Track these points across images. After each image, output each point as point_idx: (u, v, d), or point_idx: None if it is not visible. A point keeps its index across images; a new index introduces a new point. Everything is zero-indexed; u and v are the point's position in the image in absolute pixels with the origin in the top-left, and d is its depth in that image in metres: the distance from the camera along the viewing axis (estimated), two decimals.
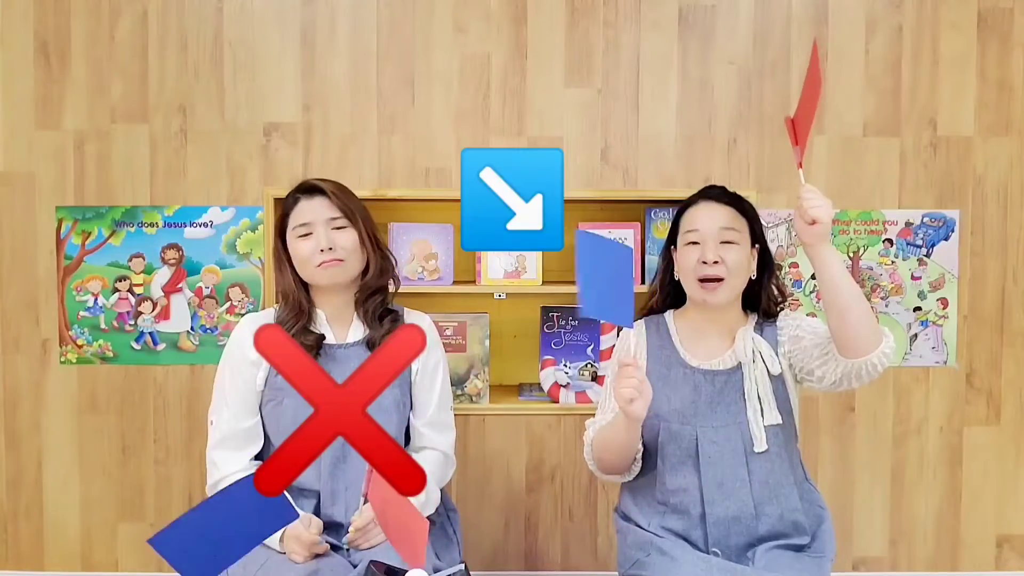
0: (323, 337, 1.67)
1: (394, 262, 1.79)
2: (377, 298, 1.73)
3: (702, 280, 1.62)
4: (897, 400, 2.55)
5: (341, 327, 1.73)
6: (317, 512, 1.61)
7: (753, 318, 1.72)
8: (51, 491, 2.52)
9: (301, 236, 1.67)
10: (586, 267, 1.42)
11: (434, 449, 1.74)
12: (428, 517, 1.71)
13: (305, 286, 1.71)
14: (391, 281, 1.78)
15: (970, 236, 2.53)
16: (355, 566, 1.49)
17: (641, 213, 2.47)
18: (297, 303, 1.68)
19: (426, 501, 1.64)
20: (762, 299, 1.71)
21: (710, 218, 1.64)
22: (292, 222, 1.69)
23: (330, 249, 1.64)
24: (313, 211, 1.67)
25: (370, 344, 1.69)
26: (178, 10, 2.46)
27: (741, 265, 1.63)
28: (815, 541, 1.65)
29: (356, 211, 1.70)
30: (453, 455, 1.79)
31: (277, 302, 1.77)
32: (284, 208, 1.73)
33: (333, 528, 1.61)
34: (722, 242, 1.62)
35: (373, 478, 1.29)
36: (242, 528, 1.12)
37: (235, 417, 1.65)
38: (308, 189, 1.71)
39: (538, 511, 2.55)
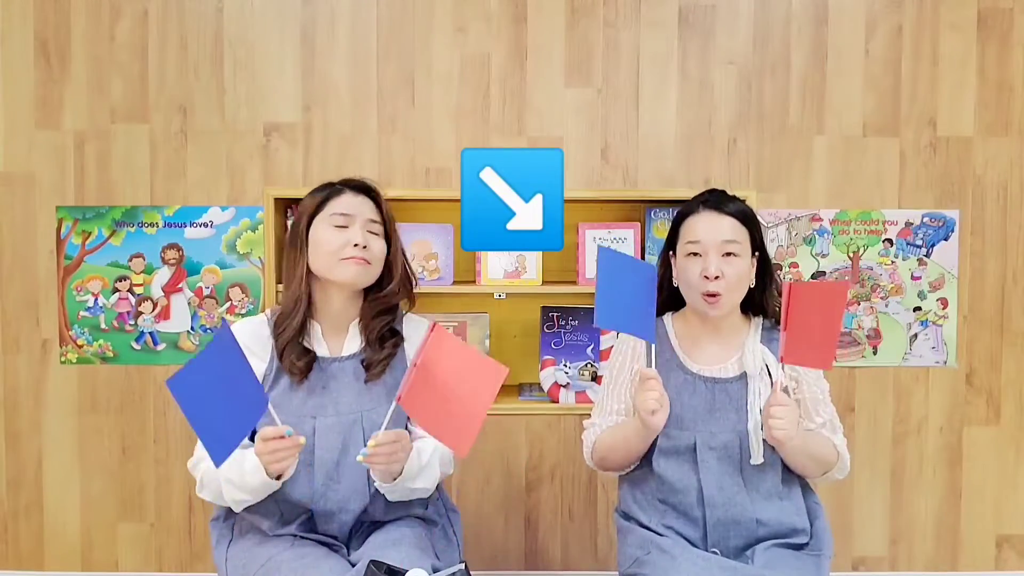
0: (314, 359, 1.60)
1: (415, 282, 1.72)
2: (386, 318, 1.66)
3: (705, 295, 1.63)
4: (897, 400, 2.55)
5: (336, 339, 1.65)
6: (312, 529, 1.58)
7: (756, 323, 1.72)
8: (51, 491, 2.53)
9: (336, 226, 1.60)
10: (605, 283, 1.42)
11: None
12: (429, 518, 1.70)
13: (308, 288, 1.62)
14: (406, 301, 1.71)
15: (970, 236, 2.53)
16: (354, 565, 1.49)
17: (641, 213, 2.47)
18: (304, 300, 1.60)
19: (424, 469, 1.58)
20: (764, 304, 1.71)
21: (711, 230, 1.64)
22: (331, 209, 1.61)
23: (364, 248, 1.59)
24: (358, 206, 1.62)
25: (367, 365, 1.61)
26: (178, 10, 2.46)
27: (742, 277, 1.64)
28: (813, 539, 1.66)
29: (392, 224, 1.67)
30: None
31: (278, 300, 1.71)
32: (322, 195, 1.64)
33: (329, 537, 1.60)
34: (724, 254, 1.62)
35: (412, 382, 1.31)
36: (235, 404, 1.29)
37: None
38: (357, 186, 1.66)
39: (538, 510, 2.55)
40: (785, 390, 1.57)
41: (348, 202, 1.62)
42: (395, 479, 1.52)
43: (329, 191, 1.64)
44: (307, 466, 1.55)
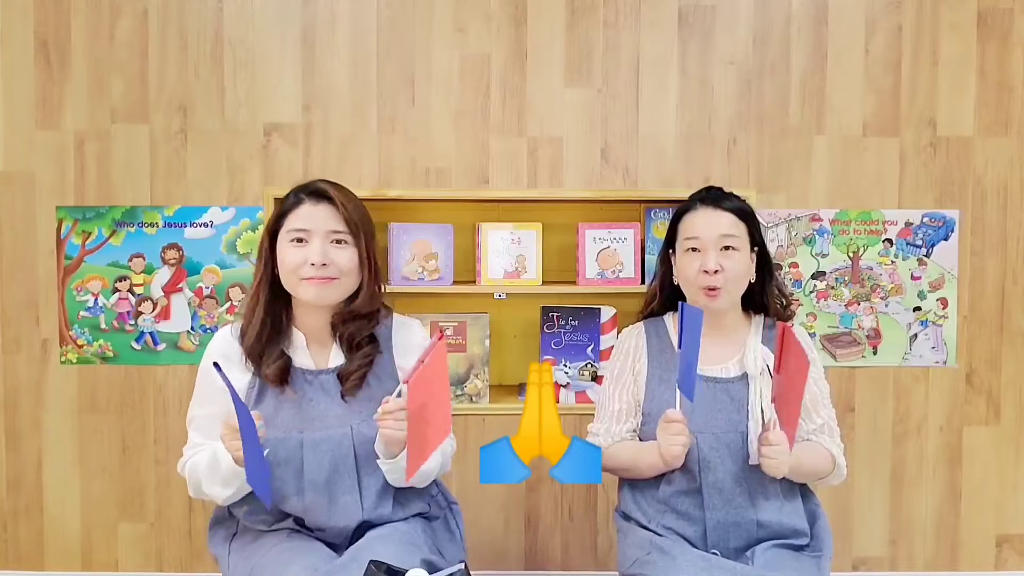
0: (287, 364, 1.54)
1: (384, 288, 1.63)
2: (360, 323, 1.57)
3: (704, 288, 1.63)
4: (897, 400, 2.55)
5: (321, 351, 1.59)
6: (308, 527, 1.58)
7: (757, 321, 1.72)
8: (51, 491, 2.53)
9: (294, 242, 1.52)
10: (690, 345, 1.46)
11: None
12: (430, 515, 1.69)
13: (287, 298, 1.57)
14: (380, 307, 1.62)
15: (970, 236, 2.53)
16: (331, 546, 1.50)
17: (641, 213, 2.47)
18: (261, 309, 1.53)
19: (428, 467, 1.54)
20: (765, 301, 1.71)
21: (710, 225, 1.64)
22: (288, 224, 1.53)
23: (324, 265, 1.49)
24: (315, 218, 1.52)
25: (342, 377, 1.54)
26: (178, 10, 2.46)
27: (741, 271, 1.64)
28: (813, 540, 1.66)
29: (362, 226, 1.55)
30: (451, 439, 1.69)
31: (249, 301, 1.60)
32: (283, 206, 1.56)
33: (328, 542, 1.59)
34: (722, 248, 1.63)
35: (417, 373, 1.31)
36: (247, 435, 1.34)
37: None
38: (315, 192, 1.54)
39: (538, 510, 2.55)
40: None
41: (306, 215, 1.52)
42: (400, 452, 1.47)
43: (287, 204, 1.55)
44: (296, 480, 1.52)
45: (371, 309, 1.58)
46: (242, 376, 1.55)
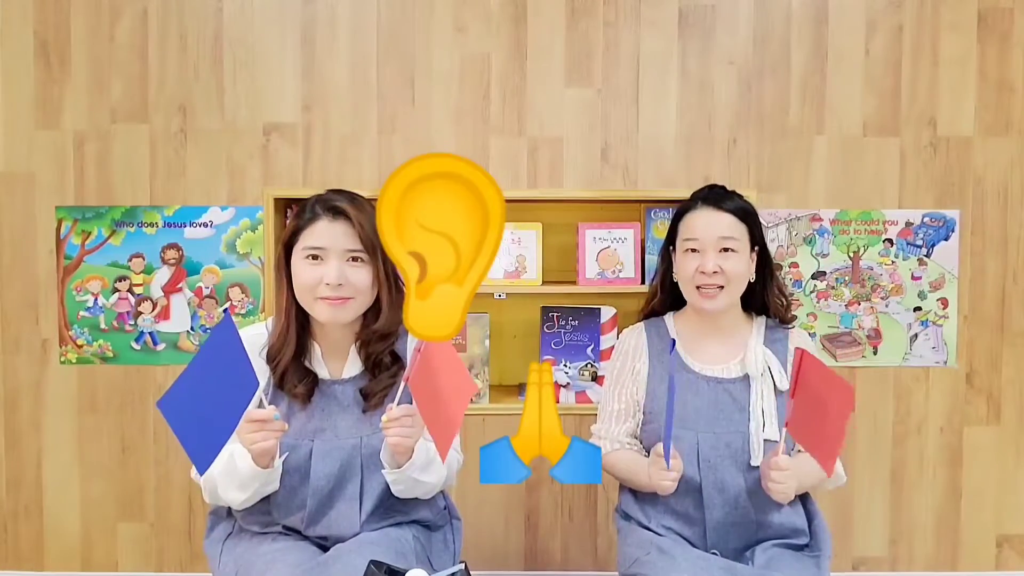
0: (316, 380, 1.54)
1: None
2: (386, 343, 1.56)
3: (700, 287, 1.63)
4: (897, 400, 2.55)
5: (337, 361, 1.58)
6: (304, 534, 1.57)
7: (759, 323, 1.72)
8: (51, 491, 2.52)
9: (309, 259, 1.49)
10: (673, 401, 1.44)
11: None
12: (434, 523, 1.68)
13: (303, 311, 1.55)
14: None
15: (970, 236, 2.53)
16: (325, 550, 1.48)
17: (641, 213, 2.47)
18: (292, 333, 1.53)
19: (432, 461, 1.52)
20: (766, 302, 1.72)
21: (709, 226, 1.64)
22: (303, 241, 1.50)
23: (339, 285, 1.47)
24: (332, 236, 1.48)
25: (365, 395, 1.54)
26: (178, 10, 2.46)
27: (740, 272, 1.64)
28: (812, 539, 1.66)
29: (379, 244, 1.44)
30: (460, 450, 1.70)
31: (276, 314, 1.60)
32: (298, 220, 1.52)
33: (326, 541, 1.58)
34: (721, 250, 1.63)
35: (417, 365, 1.31)
36: (223, 397, 1.23)
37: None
38: (332, 208, 1.50)
39: (538, 511, 2.55)
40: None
41: (322, 232, 1.49)
42: (406, 462, 1.47)
43: (303, 219, 1.52)
44: (302, 488, 1.52)
45: (394, 328, 1.56)
46: (259, 377, 1.54)
